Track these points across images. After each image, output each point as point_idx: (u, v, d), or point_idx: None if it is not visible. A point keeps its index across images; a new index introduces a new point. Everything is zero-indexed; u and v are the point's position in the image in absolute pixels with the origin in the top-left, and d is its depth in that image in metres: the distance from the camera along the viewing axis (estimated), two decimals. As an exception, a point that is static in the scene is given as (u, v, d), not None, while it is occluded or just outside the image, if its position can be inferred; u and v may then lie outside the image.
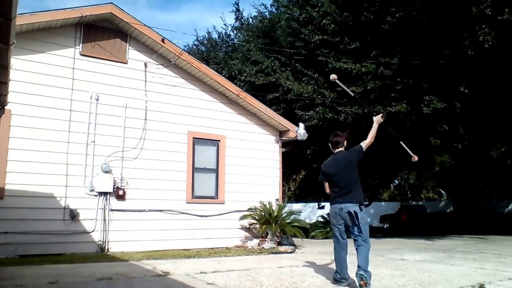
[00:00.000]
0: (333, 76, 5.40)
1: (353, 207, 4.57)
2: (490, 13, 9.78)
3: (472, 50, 10.58)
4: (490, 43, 10.15)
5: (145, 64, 9.06)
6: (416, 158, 5.33)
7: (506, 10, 9.57)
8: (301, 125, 10.62)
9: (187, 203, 9.13)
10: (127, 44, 8.90)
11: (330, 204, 4.85)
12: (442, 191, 31.22)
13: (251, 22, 20.50)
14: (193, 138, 9.48)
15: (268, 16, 18.81)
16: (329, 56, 12.95)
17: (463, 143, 18.33)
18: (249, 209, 9.80)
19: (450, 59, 11.29)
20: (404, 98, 12.11)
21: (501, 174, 21.12)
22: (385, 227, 22.84)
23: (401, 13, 11.18)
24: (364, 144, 4.84)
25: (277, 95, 15.15)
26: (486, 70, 11.71)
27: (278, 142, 10.78)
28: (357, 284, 4.37)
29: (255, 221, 9.68)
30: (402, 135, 14.67)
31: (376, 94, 12.39)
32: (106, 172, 8.11)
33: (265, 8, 20.53)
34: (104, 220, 8.07)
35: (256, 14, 19.87)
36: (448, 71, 11.67)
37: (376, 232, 18.34)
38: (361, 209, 4.59)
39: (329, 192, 4.89)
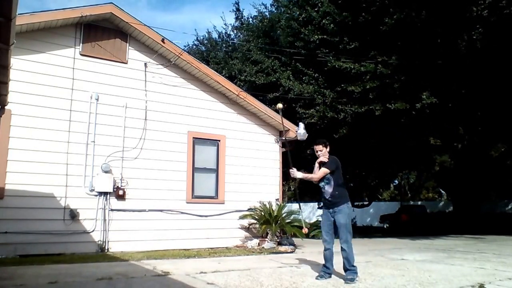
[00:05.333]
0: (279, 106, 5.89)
1: None
2: (486, 14, 9.82)
3: (465, 49, 10.67)
4: (482, 43, 10.24)
5: (145, 64, 9.06)
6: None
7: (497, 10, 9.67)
8: (301, 125, 10.61)
9: (187, 203, 9.13)
10: (127, 44, 8.90)
11: (348, 204, 5.25)
12: (442, 191, 31.19)
13: (251, 22, 20.47)
14: (193, 138, 9.48)
15: (268, 16, 18.78)
16: (328, 56, 12.97)
17: (463, 143, 18.33)
18: (249, 209, 9.80)
19: (446, 58, 11.34)
20: (401, 96, 12.15)
21: (501, 174, 21.10)
22: (385, 227, 22.83)
23: (399, 14, 11.20)
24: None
25: (277, 94, 15.16)
26: (483, 71, 11.77)
27: (278, 142, 10.78)
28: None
29: (255, 221, 9.68)
30: (400, 134, 14.79)
31: (375, 93, 12.43)
32: (106, 172, 8.11)
33: (265, 8, 20.54)
34: (104, 220, 8.07)
35: (256, 14, 19.86)
36: (444, 70, 11.71)
37: (376, 232, 18.38)
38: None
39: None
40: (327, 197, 5.21)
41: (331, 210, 5.19)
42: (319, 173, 5.22)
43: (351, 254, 4.97)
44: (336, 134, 13.58)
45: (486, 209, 20.52)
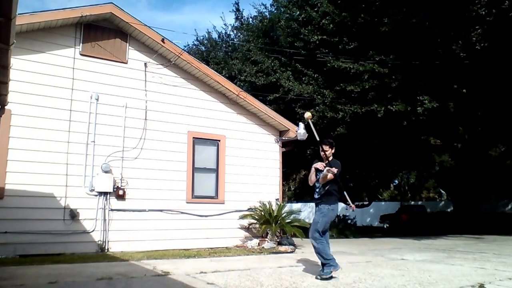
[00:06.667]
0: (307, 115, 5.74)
1: None
2: (484, 13, 9.83)
3: (464, 51, 10.68)
4: (482, 44, 10.24)
5: (145, 64, 9.06)
6: (353, 207, 5.58)
7: (494, 11, 9.66)
8: (301, 125, 10.60)
9: (187, 203, 9.13)
10: (127, 44, 8.90)
11: (330, 206, 5.20)
12: (442, 191, 31.19)
13: (251, 22, 20.48)
14: (193, 138, 9.48)
15: (268, 16, 18.80)
16: (328, 56, 12.98)
17: (463, 143, 18.34)
18: (249, 209, 9.80)
19: (445, 58, 11.35)
20: (400, 97, 12.15)
21: (501, 174, 21.10)
22: (385, 227, 22.84)
23: (398, 16, 11.22)
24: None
25: (277, 95, 15.16)
26: (482, 71, 11.78)
27: (278, 142, 10.78)
28: None
29: (255, 221, 9.68)
30: (401, 134, 14.79)
31: (374, 93, 12.44)
32: (106, 172, 8.11)
33: (265, 8, 20.56)
34: (104, 220, 8.07)
35: (256, 14, 19.89)
36: (443, 71, 11.72)
37: (376, 232, 18.37)
38: None
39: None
40: (316, 196, 5.38)
41: (316, 208, 5.36)
42: (326, 179, 5.11)
43: (321, 249, 5.04)
44: (335, 133, 13.60)
45: (486, 209, 20.52)
